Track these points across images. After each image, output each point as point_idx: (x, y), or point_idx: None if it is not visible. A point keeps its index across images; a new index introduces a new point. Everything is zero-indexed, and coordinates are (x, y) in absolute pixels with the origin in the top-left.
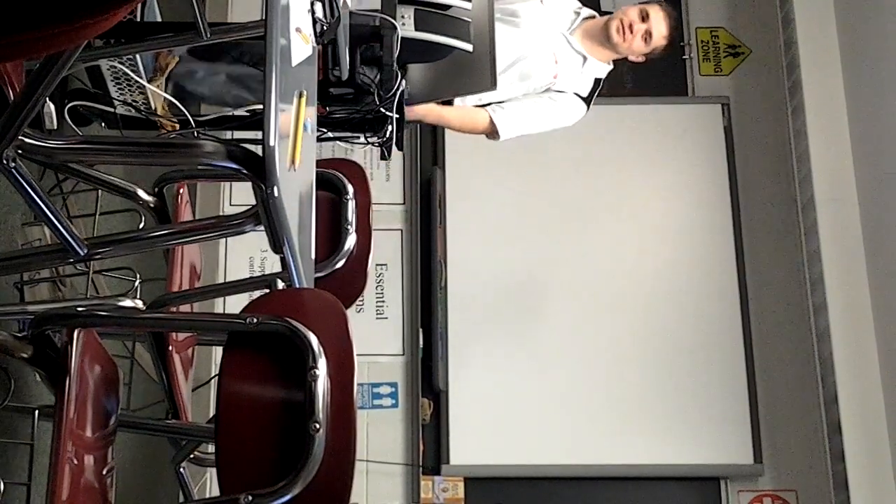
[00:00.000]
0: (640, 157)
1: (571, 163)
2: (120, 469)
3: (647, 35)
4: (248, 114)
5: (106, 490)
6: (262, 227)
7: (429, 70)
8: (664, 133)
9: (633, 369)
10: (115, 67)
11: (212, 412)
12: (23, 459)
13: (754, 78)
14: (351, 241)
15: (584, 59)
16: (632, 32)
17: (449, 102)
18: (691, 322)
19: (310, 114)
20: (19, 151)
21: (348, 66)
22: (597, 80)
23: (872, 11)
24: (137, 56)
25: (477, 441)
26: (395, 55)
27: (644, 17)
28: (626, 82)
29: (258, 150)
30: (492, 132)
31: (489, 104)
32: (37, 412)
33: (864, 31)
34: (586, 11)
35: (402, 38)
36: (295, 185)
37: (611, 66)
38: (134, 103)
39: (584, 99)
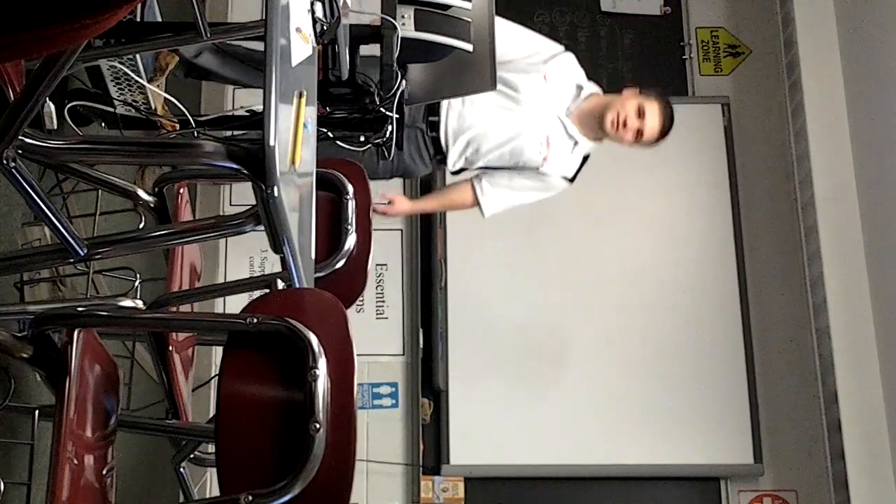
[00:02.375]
0: (640, 157)
1: None
2: (120, 469)
3: (639, 133)
4: (248, 114)
5: (106, 490)
6: (262, 227)
7: (429, 70)
8: None
9: (633, 369)
10: (115, 67)
11: (212, 412)
12: (23, 459)
13: (754, 78)
14: (351, 241)
15: (576, 143)
16: (625, 128)
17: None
18: (691, 322)
19: (310, 114)
20: (19, 151)
21: (348, 66)
22: (585, 157)
23: (872, 11)
24: (137, 56)
25: (477, 441)
26: (395, 55)
27: (640, 114)
28: (627, 82)
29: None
30: (476, 207)
31: (479, 174)
32: (37, 412)
33: (864, 31)
34: (589, 88)
35: (402, 38)
36: (295, 185)
37: (600, 145)
38: (134, 103)
39: (569, 179)
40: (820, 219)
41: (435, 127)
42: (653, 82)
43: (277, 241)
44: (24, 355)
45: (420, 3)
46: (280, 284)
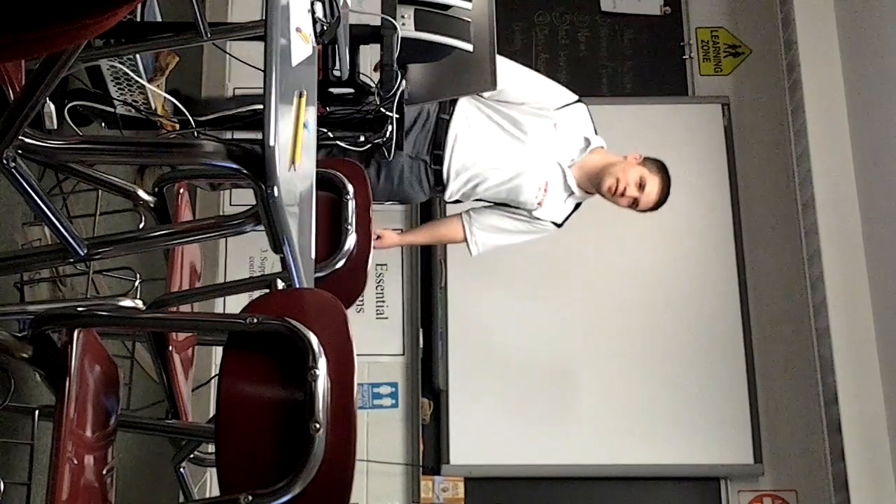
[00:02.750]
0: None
1: None
2: (120, 469)
3: (635, 202)
4: (248, 114)
5: (106, 490)
6: (262, 227)
7: (429, 70)
8: (664, 133)
9: (633, 369)
10: (115, 67)
11: (212, 412)
12: (23, 459)
13: (754, 78)
14: (351, 241)
15: (573, 193)
16: (622, 196)
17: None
18: (691, 322)
19: (310, 114)
20: (19, 151)
21: (348, 66)
22: (576, 205)
23: (872, 11)
24: (137, 56)
25: (477, 441)
26: (395, 55)
27: (640, 186)
28: (626, 82)
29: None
30: (465, 244)
31: (468, 211)
32: (37, 412)
33: (864, 31)
34: (595, 142)
35: (402, 38)
36: (295, 185)
37: (591, 196)
38: (134, 103)
39: (558, 224)
40: (820, 219)
41: (439, 160)
42: (653, 82)
43: (277, 241)
44: (24, 355)
45: (420, 3)
46: (280, 284)
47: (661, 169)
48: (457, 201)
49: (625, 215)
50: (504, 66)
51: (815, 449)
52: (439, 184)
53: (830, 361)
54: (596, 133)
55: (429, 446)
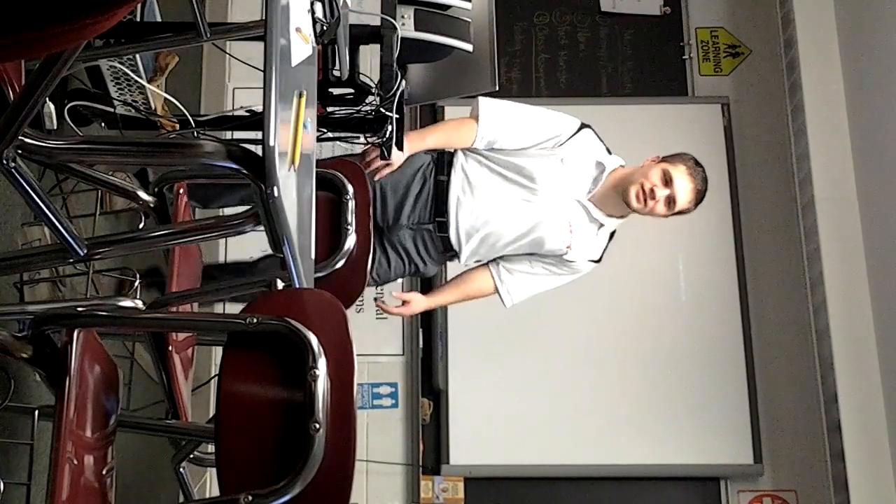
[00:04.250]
0: (641, 157)
1: None
2: (120, 469)
3: (671, 201)
4: (248, 114)
5: (106, 490)
6: (262, 227)
7: (429, 70)
8: (664, 133)
9: (632, 369)
10: (115, 67)
11: (212, 412)
12: (23, 459)
13: (754, 78)
14: (351, 241)
15: (601, 225)
16: (654, 199)
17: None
18: (691, 322)
19: (310, 114)
20: (19, 151)
21: (348, 66)
22: (611, 234)
23: (872, 11)
24: (137, 56)
25: (477, 441)
26: (395, 55)
27: (667, 181)
28: (626, 82)
29: (258, 149)
30: (498, 295)
31: (496, 259)
32: (37, 412)
33: (865, 31)
34: (611, 163)
35: (401, 38)
36: (295, 185)
37: (626, 218)
38: (134, 103)
39: (595, 260)
40: (820, 219)
41: (444, 227)
42: (653, 82)
43: (277, 241)
44: (24, 355)
45: (420, 3)
46: (280, 284)
47: (685, 157)
48: (478, 261)
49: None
50: (496, 106)
51: (815, 449)
52: (449, 250)
53: (830, 361)
54: (610, 153)
55: (429, 446)
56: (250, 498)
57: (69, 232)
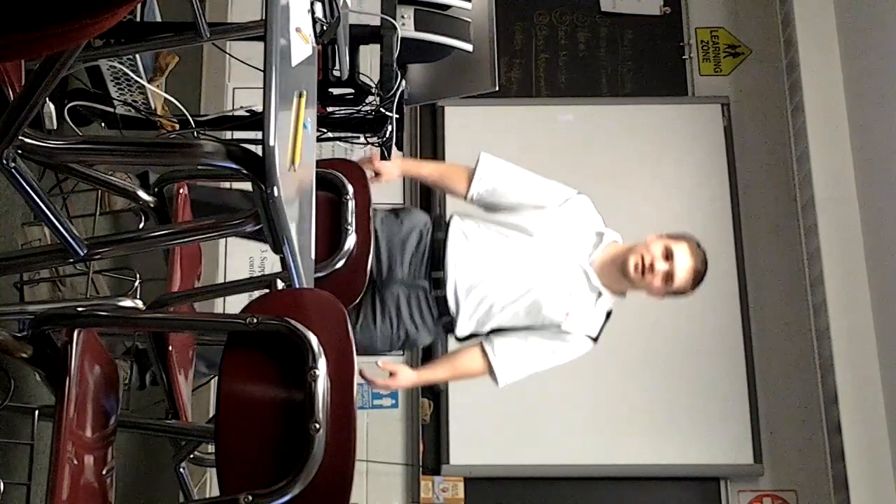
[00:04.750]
0: (641, 157)
1: (572, 162)
2: (120, 469)
3: (669, 277)
4: (248, 114)
5: (106, 490)
6: (262, 227)
7: (429, 70)
8: (664, 133)
9: (632, 369)
10: (115, 67)
11: (212, 412)
12: (23, 459)
13: (754, 78)
14: (351, 241)
15: (600, 294)
16: (652, 272)
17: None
18: (691, 322)
19: (310, 114)
20: (19, 151)
21: (348, 66)
22: (608, 313)
23: (872, 11)
24: (137, 56)
25: (477, 441)
26: (395, 55)
27: (668, 256)
28: (626, 82)
29: (258, 150)
30: (489, 376)
31: (490, 333)
32: (37, 412)
33: (864, 31)
34: (609, 235)
35: (401, 38)
36: (295, 185)
37: (624, 299)
38: (134, 103)
39: (593, 338)
40: (820, 219)
41: (440, 284)
42: (653, 82)
43: (277, 241)
44: (24, 355)
45: (420, 3)
46: (280, 284)
47: (688, 237)
48: (470, 336)
49: (623, 215)
50: (495, 161)
51: (815, 449)
52: (445, 314)
53: (830, 362)
54: (605, 226)
55: (429, 446)
56: (250, 498)
57: (69, 232)
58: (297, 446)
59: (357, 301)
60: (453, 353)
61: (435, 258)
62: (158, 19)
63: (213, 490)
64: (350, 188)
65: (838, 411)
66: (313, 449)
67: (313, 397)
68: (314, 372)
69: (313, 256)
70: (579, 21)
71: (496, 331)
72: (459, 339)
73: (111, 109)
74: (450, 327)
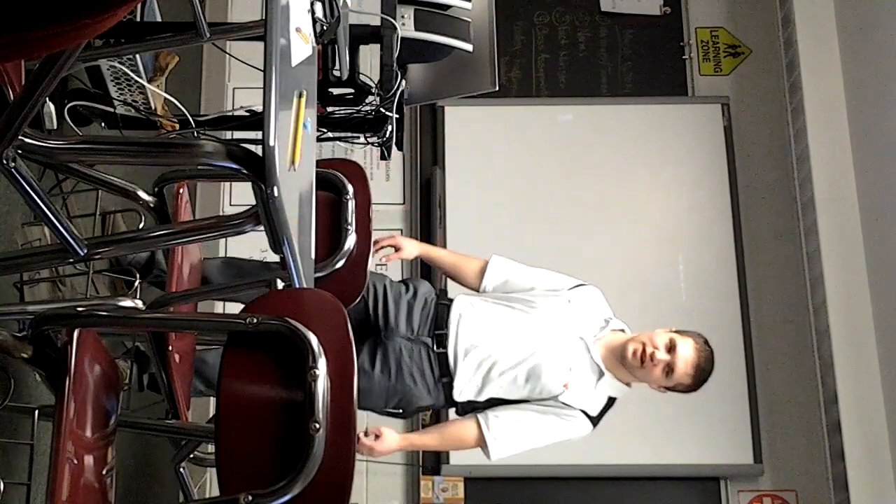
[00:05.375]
0: (641, 157)
1: (572, 163)
2: (120, 469)
3: (669, 369)
4: (248, 114)
5: (106, 490)
6: (262, 227)
7: (429, 70)
8: (664, 133)
9: None
10: (115, 67)
11: (212, 412)
12: (23, 459)
13: (754, 78)
14: (351, 241)
15: (601, 374)
16: (652, 362)
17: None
18: (691, 322)
19: (310, 114)
20: (19, 151)
21: (348, 66)
22: (610, 399)
23: (872, 11)
24: (137, 56)
25: None
26: (395, 55)
27: (671, 349)
28: (626, 82)
29: (258, 150)
30: (482, 448)
31: (487, 402)
32: (37, 412)
33: (864, 31)
34: (616, 323)
35: (401, 38)
36: (295, 185)
37: (628, 390)
38: (134, 103)
39: (592, 418)
40: (820, 219)
41: (442, 341)
42: (653, 82)
43: (277, 241)
44: (24, 355)
45: (420, 3)
46: (280, 284)
47: (696, 334)
48: (467, 403)
49: (623, 215)
50: (506, 261)
51: (815, 449)
52: (445, 374)
53: (830, 361)
54: (614, 317)
55: None
56: (250, 498)
57: (69, 232)
58: (297, 446)
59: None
60: (446, 423)
61: (439, 318)
62: (158, 19)
63: (213, 490)
64: (350, 188)
65: (838, 411)
66: (313, 449)
67: (313, 397)
68: (314, 372)
69: (313, 256)
70: (579, 21)
71: (493, 403)
72: (457, 408)
73: (111, 109)
74: (449, 390)
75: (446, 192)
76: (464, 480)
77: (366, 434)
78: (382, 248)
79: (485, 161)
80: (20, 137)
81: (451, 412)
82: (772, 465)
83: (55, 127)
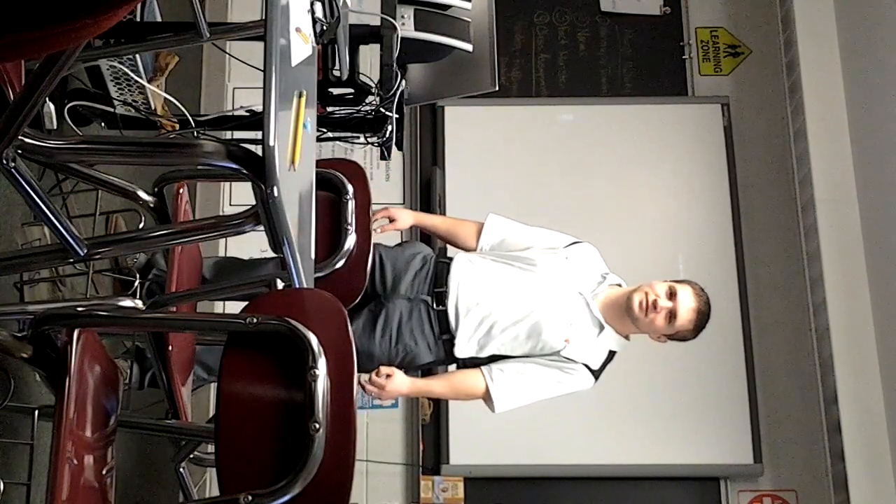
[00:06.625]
0: (641, 156)
1: (572, 162)
2: (120, 469)
3: (671, 315)
4: (248, 114)
5: (106, 490)
6: (262, 227)
7: (429, 70)
8: (664, 133)
9: (632, 369)
10: (115, 67)
11: (212, 412)
12: (23, 459)
13: (754, 78)
14: (351, 241)
15: (602, 327)
16: (655, 310)
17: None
18: None
19: (310, 114)
20: (19, 151)
21: (348, 66)
22: (611, 353)
23: (872, 11)
24: (137, 56)
25: (477, 441)
26: (395, 55)
27: (671, 296)
28: (626, 82)
29: (258, 149)
30: (487, 401)
31: (490, 359)
32: (37, 412)
33: (864, 31)
34: (613, 278)
35: (401, 38)
36: (295, 185)
37: (628, 342)
38: (134, 103)
39: (593, 371)
40: (820, 219)
41: (442, 300)
42: (653, 82)
43: (277, 241)
44: (24, 355)
45: (420, 3)
46: (280, 284)
47: (691, 282)
48: (469, 359)
49: (623, 214)
50: (502, 220)
51: (815, 449)
52: (445, 331)
53: (830, 361)
54: (610, 272)
55: (428, 446)
56: (250, 498)
57: (69, 232)
58: (297, 446)
59: (356, 302)
60: (453, 371)
61: (438, 276)
62: (158, 19)
63: (213, 490)
64: (350, 188)
65: (838, 411)
66: (313, 449)
67: (313, 397)
68: (314, 372)
69: (313, 256)
70: (579, 21)
71: (496, 358)
72: (459, 364)
73: (111, 109)
74: (450, 347)
75: (446, 192)
76: (464, 480)
77: (377, 374)
78: (377, 220)
79: (485, 161)
80: (20, 137)
81: (452, 368)
82: (772, 465)
83: (55, 127)
